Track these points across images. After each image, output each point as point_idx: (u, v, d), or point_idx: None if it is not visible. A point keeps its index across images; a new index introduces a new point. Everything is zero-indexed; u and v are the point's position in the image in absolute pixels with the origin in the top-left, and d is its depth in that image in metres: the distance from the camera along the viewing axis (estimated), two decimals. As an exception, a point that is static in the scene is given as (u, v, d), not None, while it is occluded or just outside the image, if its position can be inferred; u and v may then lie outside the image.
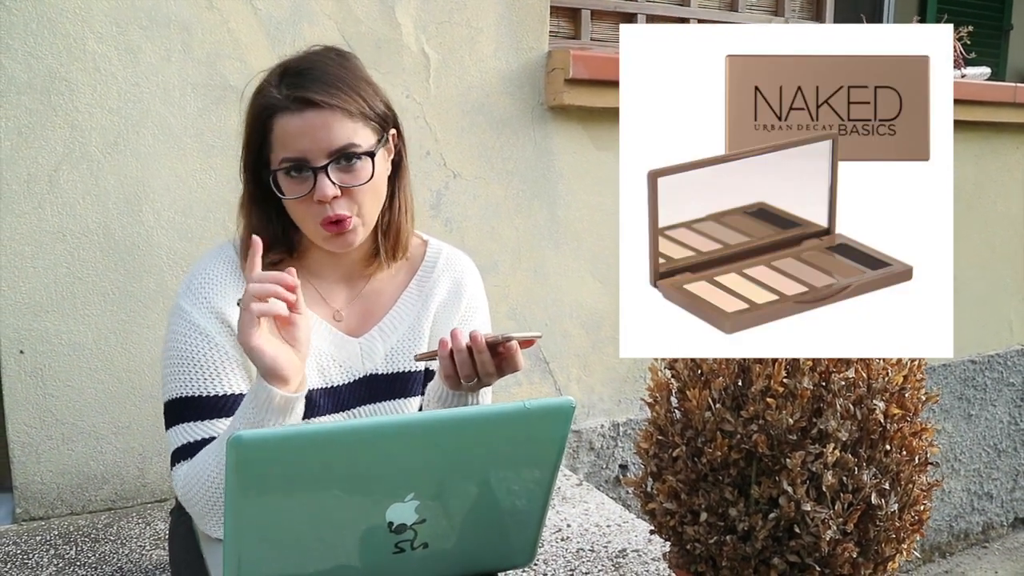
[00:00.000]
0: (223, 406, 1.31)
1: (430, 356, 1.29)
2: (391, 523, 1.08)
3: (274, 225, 1.39)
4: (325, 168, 1.29)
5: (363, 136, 1.32)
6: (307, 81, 1.30)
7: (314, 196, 1.29)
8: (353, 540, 1.09)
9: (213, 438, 1.29)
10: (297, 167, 1.29)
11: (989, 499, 4.03)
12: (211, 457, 1.25)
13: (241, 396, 1.30)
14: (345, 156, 1.30)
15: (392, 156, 1.43)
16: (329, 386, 1.43)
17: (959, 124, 3.62)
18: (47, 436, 2.09)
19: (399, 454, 1.04)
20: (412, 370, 1.49)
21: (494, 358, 1.25)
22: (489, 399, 1.39)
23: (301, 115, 1.29)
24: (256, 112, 1.33)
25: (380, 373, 1.47)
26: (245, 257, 1.37)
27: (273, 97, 1.30)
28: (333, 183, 1.29)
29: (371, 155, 1.32)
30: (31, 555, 1.93)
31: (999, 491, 4.06)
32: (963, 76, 3.46)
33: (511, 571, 1.30)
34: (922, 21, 3.46)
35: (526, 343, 1.27)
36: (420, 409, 1.50)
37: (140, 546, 1.98)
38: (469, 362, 1.25)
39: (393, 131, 1.41)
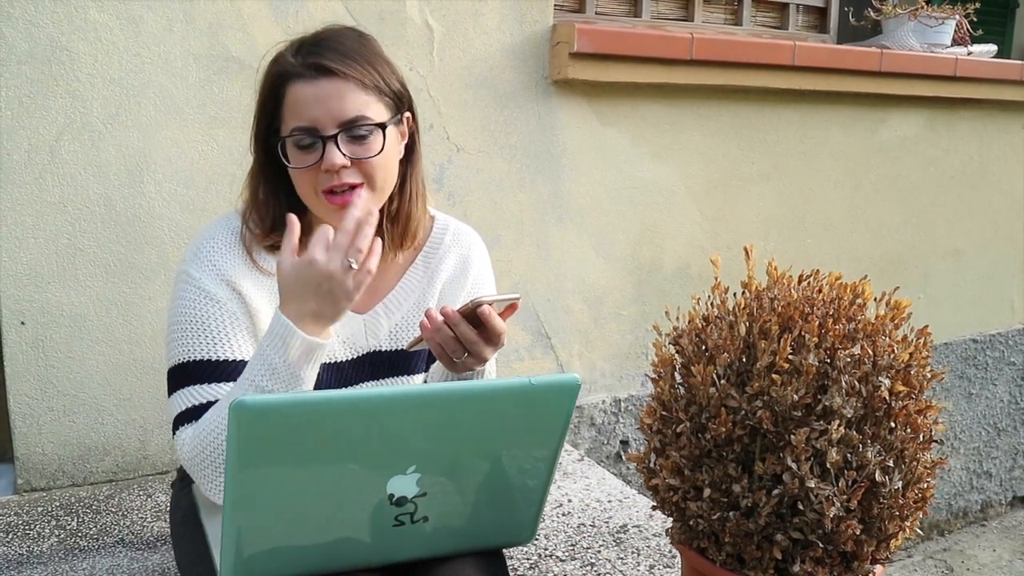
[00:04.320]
0: (232, 370, 1.30)
1: (420, 341, 1.28)
2: (392, 495, 1.08)
3: (280, 202, 1.38)
4: (335, 137, 1.28)
5: (376, 110, 1.32)
6: (323, 50, 1.30)
7: (322, 165, 1.28)
8: (353, 511, 1.09)
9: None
10: (307, 136, 1.29)
11: (988, 478, 4.04)
12: (221, 415, 1.24)
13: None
14: (356, 128, 1.29)
15: (405, 140, 1.42)
16: (332, 361, 1.42)
17: (964, 102, 3.62)
18: (48, 407, 2.09)
19: (402, 425, 1.04)
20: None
21: (477, 329, 1.24)
22: (494, 374, 1.38)
23: (315, 83, 1.28)
24: (270, 80, 1.32)
25: (384, 350, 1.47)
26: (254, 240, 1.37)
27: (288, 64, 1.30)
28: (343, 153, 1.28)
29: (382, 127, 1.31)
30: (32, 526, 1.93)
31: (998, 470, 4.07)
32: (969, 53, 3.44)
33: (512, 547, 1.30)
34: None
35: (509, 309, 1.26)
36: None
37: (141, 518, 1.99)
38: (452, 337, 1.24)
39: (408, 114, 1.40)
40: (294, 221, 1.21)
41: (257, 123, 1.36)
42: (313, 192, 1.32)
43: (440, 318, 1.23)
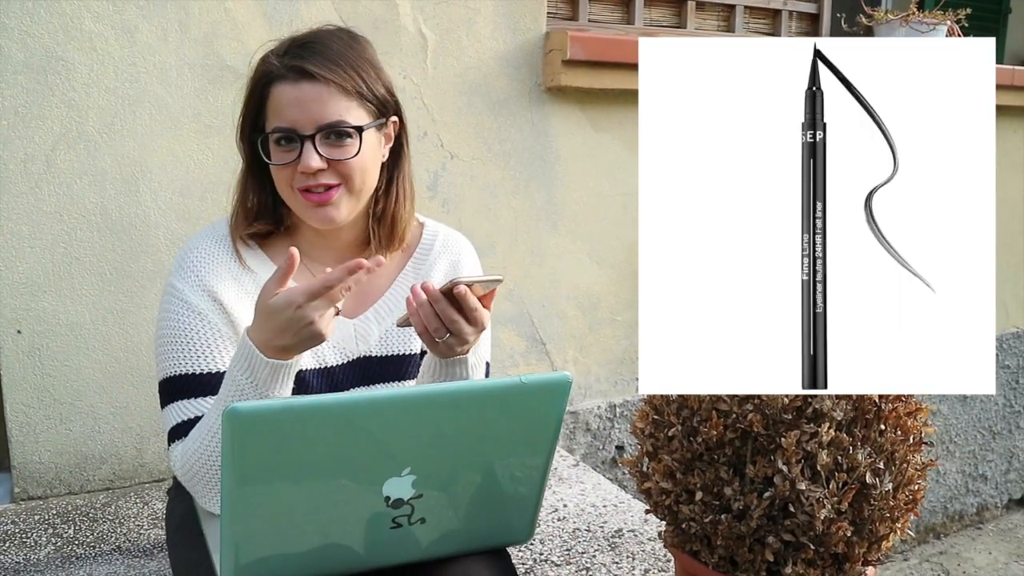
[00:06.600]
0: (217, 383, 1.31)
1: (407, 319, 1.29)
2: (388, 497, 1.09)
3: (267, 196, 1.42)
4: (312, 138, 1.30)
5: (356, 115, 1.34)
6: (308, 53, 1.32)
7: (298, 167, 1.31)
8: (350, 514, 1.09)
9: None
10: (287, 136, 1.31)
11: (984, 481, 4.05)
12: (205, 432, 1.26)
13: None
14: (335, 132, 1.32)
15: (391, 144, 1.43)
16: (323, 366, 1.43)
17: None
18: (45, 416, 2.09)
19: (395, 428, 1.05)
20: (407, 353, 1.48)
21: (459, 310, 1.23)
22: (481, 373, 1.38)
23: (296, 85, 1.31)
24: (256, 79, 1.35)
25: (374, 355, 1.47)
26: (238, 228, 1.39)
27: (273, 65, 1.33)
28: (320, 156, 1.31)
29: (360, 130, 1.33)
30: (29, 534, 1.94)
31: (993, 473, 4.08)
32: (961, 58, 3.44)
33: (510, 547, 1.31)
34: (921, 5, 3.44)
35: (490, 293, 1.26)
36: None
37: (138, 525, 1.99)
38: (433, 314, 1.23)
39: (395, 119, 1.42)
40: (294, 255, 1.18)
41: (243, 120, 1.39)
42: (289, 188, 1.35)
43: (424, 295, 1.24)
